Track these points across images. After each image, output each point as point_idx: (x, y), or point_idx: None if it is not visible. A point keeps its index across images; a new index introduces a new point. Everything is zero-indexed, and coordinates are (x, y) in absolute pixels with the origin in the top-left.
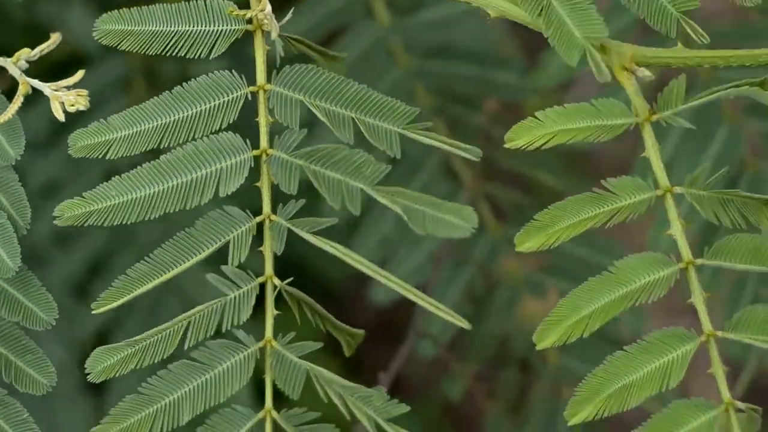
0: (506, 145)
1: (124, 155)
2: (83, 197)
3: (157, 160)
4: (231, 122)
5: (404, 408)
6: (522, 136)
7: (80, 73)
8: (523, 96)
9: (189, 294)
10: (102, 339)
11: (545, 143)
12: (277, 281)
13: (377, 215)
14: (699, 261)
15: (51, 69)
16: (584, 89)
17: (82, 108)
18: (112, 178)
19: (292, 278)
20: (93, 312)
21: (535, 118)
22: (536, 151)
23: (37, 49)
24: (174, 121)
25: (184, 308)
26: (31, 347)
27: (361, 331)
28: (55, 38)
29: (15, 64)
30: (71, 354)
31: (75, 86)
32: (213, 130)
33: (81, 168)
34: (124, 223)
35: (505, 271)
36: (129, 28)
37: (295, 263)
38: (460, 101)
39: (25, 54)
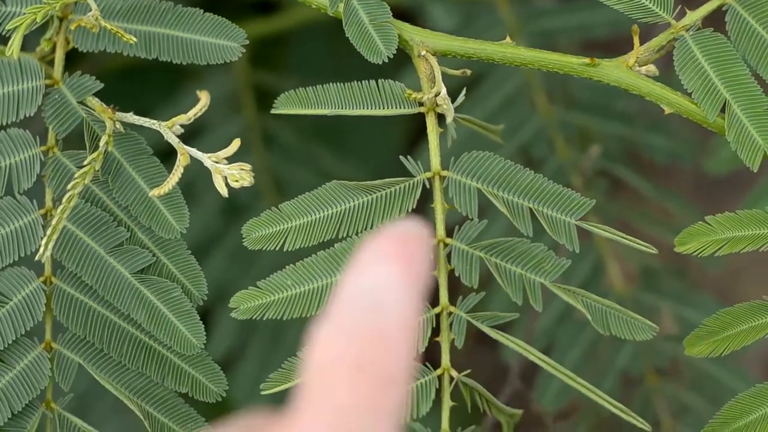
0: (676, 249)
1: (301, 246)
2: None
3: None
4: (409, 210)
5: None
6: (691, 242)
7: (237, 142)
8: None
9: None
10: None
11: (716, 251)
12: (454, 373)
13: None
14: None
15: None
16: None
17: (246, 184)
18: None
19: (469, 370)
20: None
21: (705, 223)
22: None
23: (191, 113)
24: (350, 208)
25: None
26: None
27: (519, 411)
28: (205, 99)
29: (170, 130)
30: None
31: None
32: (392, 218)
33: None
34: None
35: None
36: (305, 110)
37: None
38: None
39: (181, 120)
